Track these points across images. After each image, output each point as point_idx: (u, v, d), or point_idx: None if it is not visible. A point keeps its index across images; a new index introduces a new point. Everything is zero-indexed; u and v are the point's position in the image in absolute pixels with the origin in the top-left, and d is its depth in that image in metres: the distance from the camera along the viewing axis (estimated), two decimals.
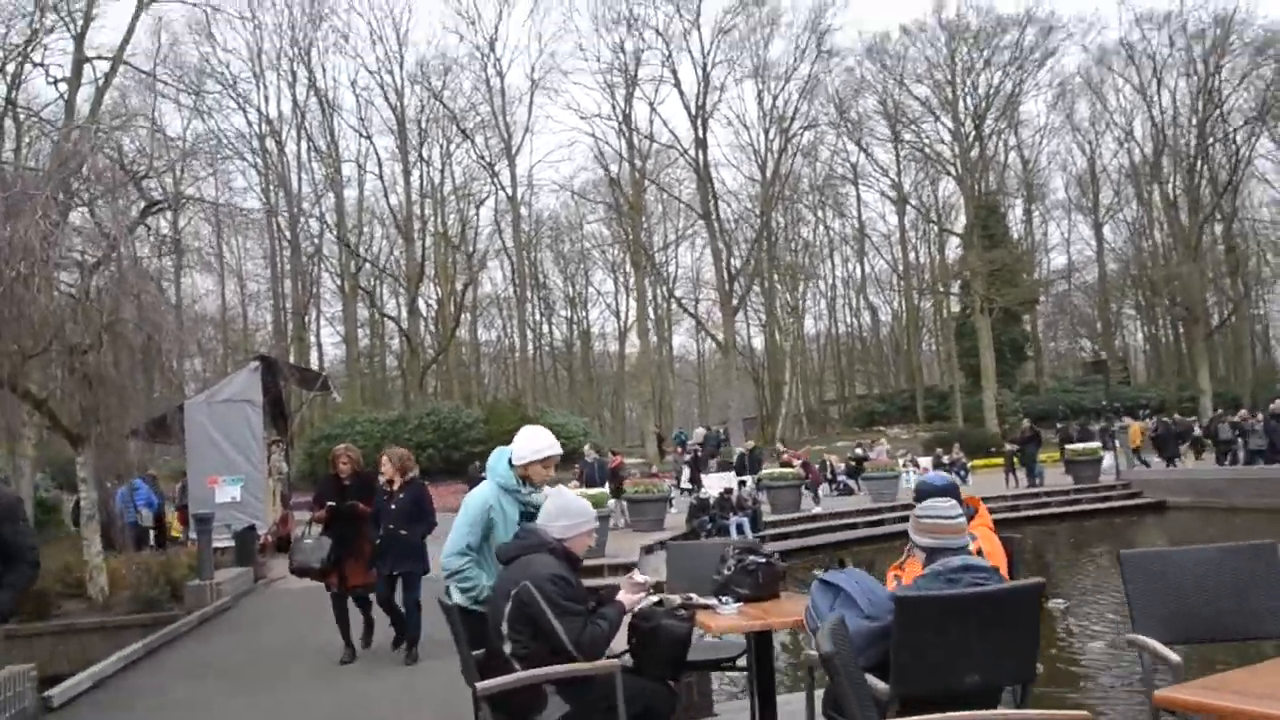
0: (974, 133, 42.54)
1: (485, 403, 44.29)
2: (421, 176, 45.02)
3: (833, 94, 44.10)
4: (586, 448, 20.09)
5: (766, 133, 42.01)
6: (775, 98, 42.31)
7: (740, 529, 17.02)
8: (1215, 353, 48.98)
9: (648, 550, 14.44)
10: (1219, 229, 47.25)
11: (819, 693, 3.49)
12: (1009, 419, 40.18)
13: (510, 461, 4.11)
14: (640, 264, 37.19)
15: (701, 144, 34.35)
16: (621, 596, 3.59)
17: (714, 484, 22.02)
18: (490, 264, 51.04)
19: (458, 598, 3.98)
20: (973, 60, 42.25)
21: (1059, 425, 32.23)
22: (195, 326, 41.51)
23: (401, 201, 44.20)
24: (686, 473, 24.37)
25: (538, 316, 55.21)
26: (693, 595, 3.94)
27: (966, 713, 2.60)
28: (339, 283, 47.35)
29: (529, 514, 4.04)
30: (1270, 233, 51.48)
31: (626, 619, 3.67)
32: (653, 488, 17.62)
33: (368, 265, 46.06)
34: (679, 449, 33.68)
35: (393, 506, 7.15)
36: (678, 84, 38.08)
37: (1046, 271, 55.30)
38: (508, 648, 3.36)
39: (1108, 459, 24.14)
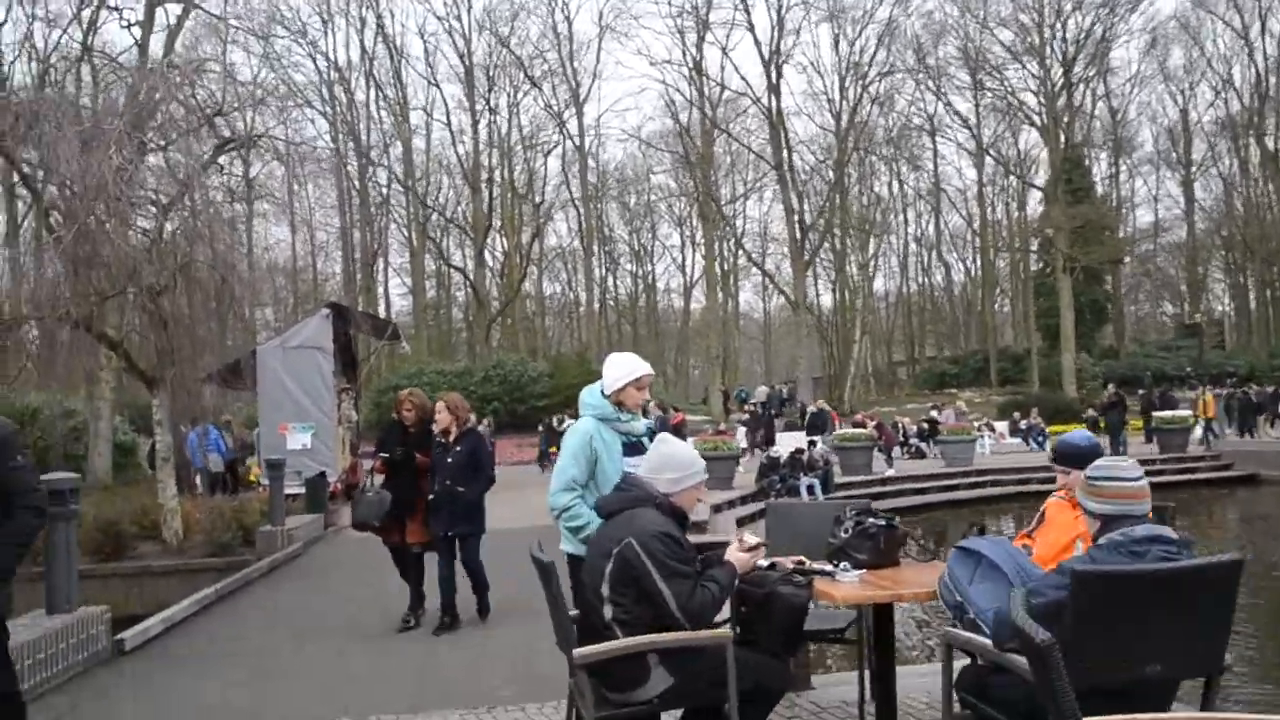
0: (1062, 80, 40.54)
1: (550, 356, 44.27)
2: (489, 125, 44.79)
3: (911, 39, 42.44)
4: (651, 402, 19.56)
5: (842, 80, 40.66)
6: (852, 43, 40.95)
7: (811, 490, 16.59)
8: None
9: (717, 509, 14.10)
10: None
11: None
12: (1087, 384, 38.85)
13: (603, 392, 3.91)
14: (709, 216, 36.37)
15: (775, 90, 33.15)
16: (731, 557, 3.20)
17: (784, 443, 21.65)
18: (555, 216, 50.91)
19: (565, 544, 3.88)
20: (1061, 2, 40.12)
21: (1140, 392, 31.00)
22: (267, 274, 42.18)
23: (469, 151, 44.02)
24: (742, 431, 23.95)
25: (602, 270, 54.87)
26: (804, 559, 3.54)
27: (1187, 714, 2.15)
28: (406, 234, 47.56)
29: (632, 445, 3.88)
30: None
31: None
32: (722, 445, 17.23)
33: (435, 216, 46.07)
34: (741, 406, 33.26)
35: (449, 460, 6.51)
36: (751, 27, 36.76)
37: (1132, 230, 53.08)
38: (608, 612, 3.01)
39: (1198, 429, 23.08)
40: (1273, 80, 42.98)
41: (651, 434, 3.87)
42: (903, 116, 48.18)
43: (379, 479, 7.18)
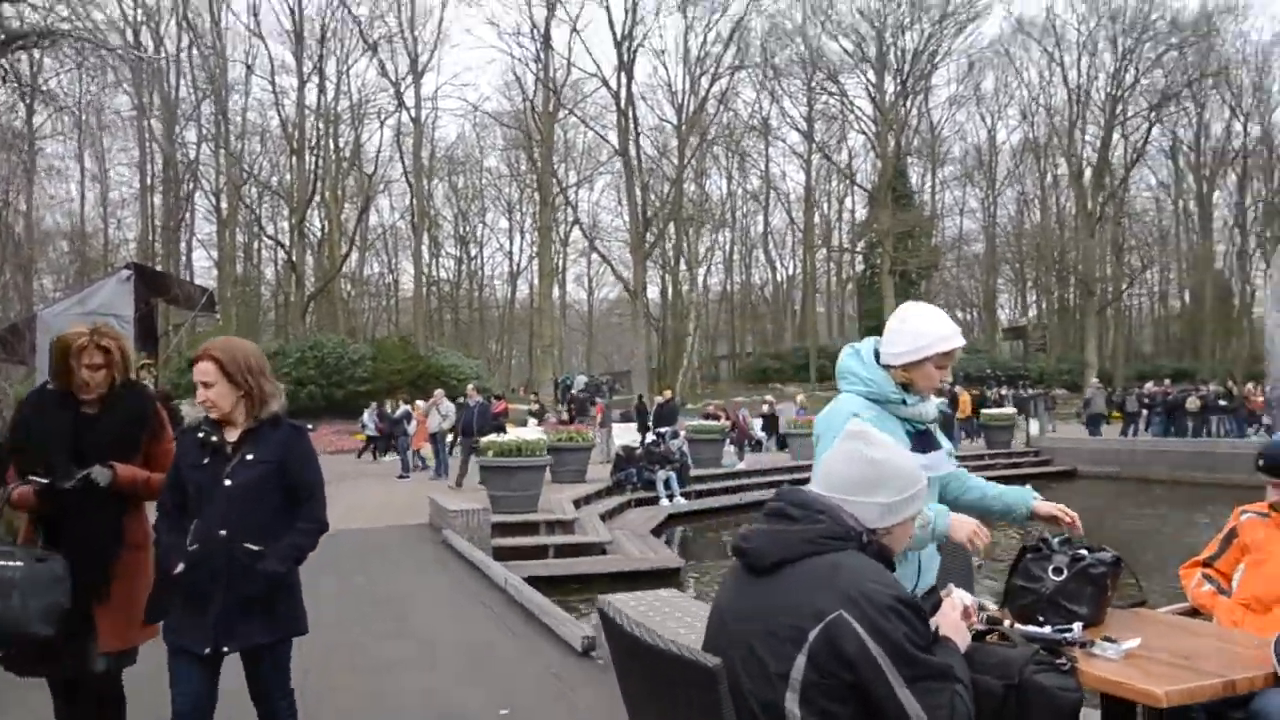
0: (898, 89, 42.12)
1: (371, 339, 41.84)
2: (318, 89, 41.60)
3: (758, 35, 42.92)
4: (470, 388, 18.45)
5: (689, 73, 40.55)
6: (703, 36, 40.80)
7: (667, 483, 15.93)
8: (1106, 328, 50.68)
9: (577, 504, 13.09)
10: (1110, 210, 48.72)
11: None
12: None
13: (879, 360, 2.69)
14: (548, 199, 35.24)
15: (627, 72, 32.39)
16: (948, 630, 2.04)
17: (620, 435, 20.94)
18: (380, 193, 48.24)
19: None
20: (901, 17, 41.68)
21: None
22: (45, 239, 37.47)
23: (292, 116, 40.79)
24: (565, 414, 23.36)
25: (426, 255, 52.66)
26: (992, 609, 2.48)
27: None
28: (215, 201, 43.65)
29: (919, 435, 2.67)
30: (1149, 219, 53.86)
31: None
32: (577, 435, 16.24)
33: (250, 182, 42.46)
34: (564, 395, 32.44)
35: (231, 479, 2.93)
36: (607, 6, 35.82)
37: (943, 239, 56.13)
38: (794, 711, 1.77)
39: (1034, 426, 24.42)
40: (1076, 108, 46.29)
41: (946, 422, 2.64)
42: (740, 116, 48.93)
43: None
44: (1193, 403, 24.22)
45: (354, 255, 47.80)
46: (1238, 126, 50.37)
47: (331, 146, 42.53)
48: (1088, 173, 45.40)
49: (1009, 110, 53.23)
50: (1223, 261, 53.73)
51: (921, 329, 2.64)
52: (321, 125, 41.40)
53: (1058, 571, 2.49)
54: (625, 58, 35.69)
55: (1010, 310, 63.77)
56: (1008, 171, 57.06)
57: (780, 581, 1.81)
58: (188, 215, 42.70)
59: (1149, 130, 46.48)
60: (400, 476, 18.39)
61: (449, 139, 52.00)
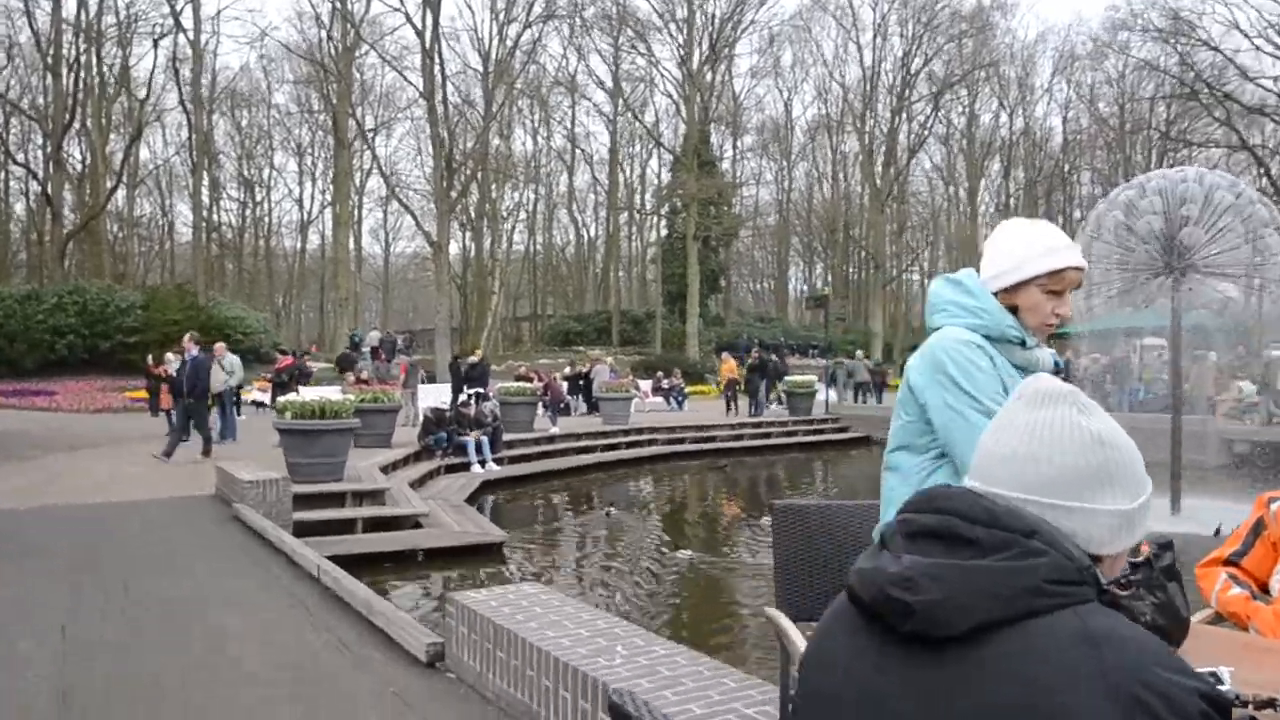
0: (704, 55, 42.43)
1: (143, 287, 38.04)
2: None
3: None
4: (186, 338, 14.78)
5: (496, 19, 38.99)
6: None
7: (479, 447, 15.25)
8: (890, 301, 53.76)
9: (385, 470, 12.22)
10: (896, 189, 51.64)
11: None
12: (703, 348, 41.38)
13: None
14: (344, 141, 32.90)
15: (433, 8, 30.34)
16: None
17: (428, 396, 20.02)
18: (152, 125, 43.77)
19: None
20: None
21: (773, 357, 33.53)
22: None
23: (46, 30, 35.88)
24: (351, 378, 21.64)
25: (206, 197, 48.39)
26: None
27: None
28: None
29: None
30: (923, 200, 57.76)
31: None
32: (382, 396, 15.20)
33: None
34: (355, 349, 30.69)
35: None
36: None
37: (742, 208, 57.68)
38: None
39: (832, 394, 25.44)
40: (866, 88, 48.45)
41: (1061, 370, 2.07)
42: (547, 70, 47.92)
43: None
44: None
45: (121, 192, 43.24)
46: (1004, 118, 54.72)
47: (95, 65, 37.86)
48: (881, 151, 47.74)
49: (805, 86, 55.34)
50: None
51: (1031, 238, 2.01)
52: (82, 42, 36.77)
53: (1132, 587, 1.64)
54: None
55: (795, 283, 66.91)
56: (801, 146, 59.56)
57: (983, 660, 0.98)
58: None
59: (932, 116, 49.45)
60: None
61: (233, 69, 47.72)
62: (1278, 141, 40.21)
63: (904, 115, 48.09)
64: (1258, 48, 34.96)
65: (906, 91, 46.88)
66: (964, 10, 46.98)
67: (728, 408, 24.56)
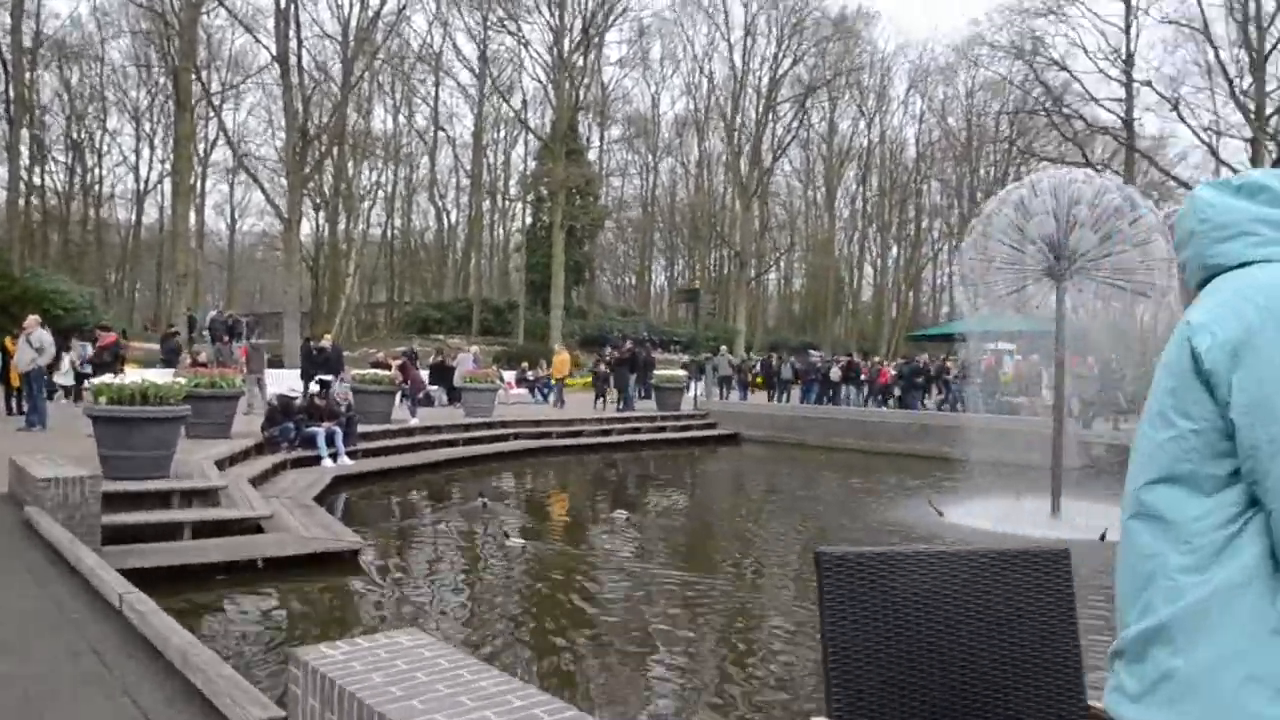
0: (579, 38, 41.46)
1: None
2: None
3: None
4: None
5: None
6: None
7: (330, 439, 13.92)
8: (755, 299, 54.20)
9: (221, 465, 10.81)
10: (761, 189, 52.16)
11: None
12: (566, 339, 40.48)
13: None
14: (187, 104, 30.18)
15: None
16: None
17: (275, 382, 18.37)
18: None
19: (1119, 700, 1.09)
20: None
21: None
22: None
23: None
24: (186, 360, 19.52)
25: (28, 157, 43.90)
26: None
27: None
28: None
29: None
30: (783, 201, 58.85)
31: None
32: (221, 381, 13.64)
33: None
34: (191, 330, 28.41)
35: None
36: None
37: (608, 200, 57.04)
38: None
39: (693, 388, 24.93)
40: (737, 86, 48.66)
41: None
42: (410, 45, 45.90)
43: None
44: (835, 373, 26.15)
45: None
46: (862, 125, 56.17)
47: None
48: (747, 149, 47.99)
49: (674, 80, 55.24)
50: (844, 249, 60.08)
51: None
52: None
53: None
54: None
55: (658, 278, 66.96)
56: (667, 142, 59.47)
57: None
58: None
59: (798, 119, 50.12)
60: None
61: (60, 17, 43.48)
62: (1113, 158, 42.58)
63: (770, 116, 48.55)
64: (1101, 70, 36.81)
65: (773, 93, 47.28)
66: (831, 15, 47.81)
67: (595, 403, 23.80)
